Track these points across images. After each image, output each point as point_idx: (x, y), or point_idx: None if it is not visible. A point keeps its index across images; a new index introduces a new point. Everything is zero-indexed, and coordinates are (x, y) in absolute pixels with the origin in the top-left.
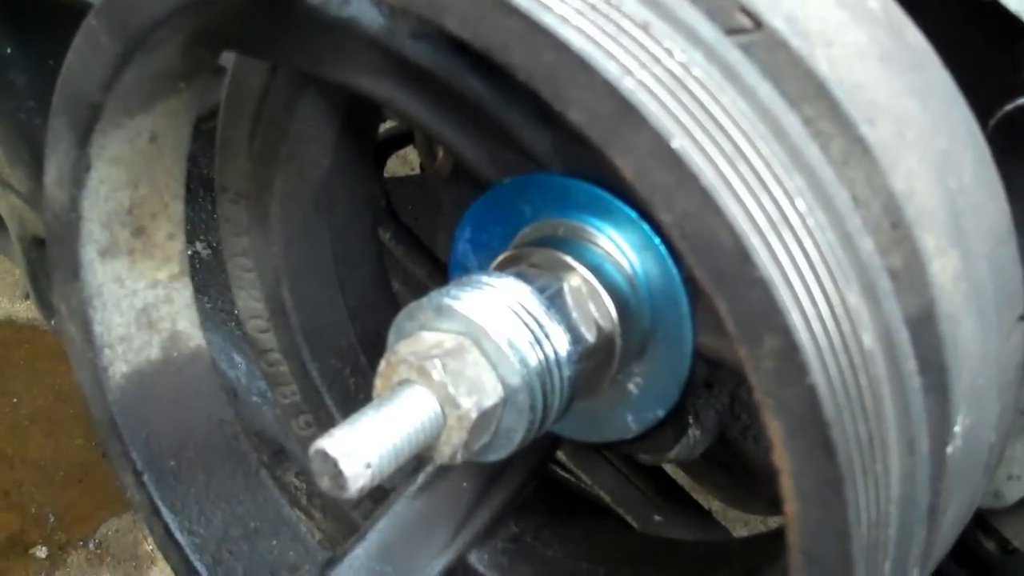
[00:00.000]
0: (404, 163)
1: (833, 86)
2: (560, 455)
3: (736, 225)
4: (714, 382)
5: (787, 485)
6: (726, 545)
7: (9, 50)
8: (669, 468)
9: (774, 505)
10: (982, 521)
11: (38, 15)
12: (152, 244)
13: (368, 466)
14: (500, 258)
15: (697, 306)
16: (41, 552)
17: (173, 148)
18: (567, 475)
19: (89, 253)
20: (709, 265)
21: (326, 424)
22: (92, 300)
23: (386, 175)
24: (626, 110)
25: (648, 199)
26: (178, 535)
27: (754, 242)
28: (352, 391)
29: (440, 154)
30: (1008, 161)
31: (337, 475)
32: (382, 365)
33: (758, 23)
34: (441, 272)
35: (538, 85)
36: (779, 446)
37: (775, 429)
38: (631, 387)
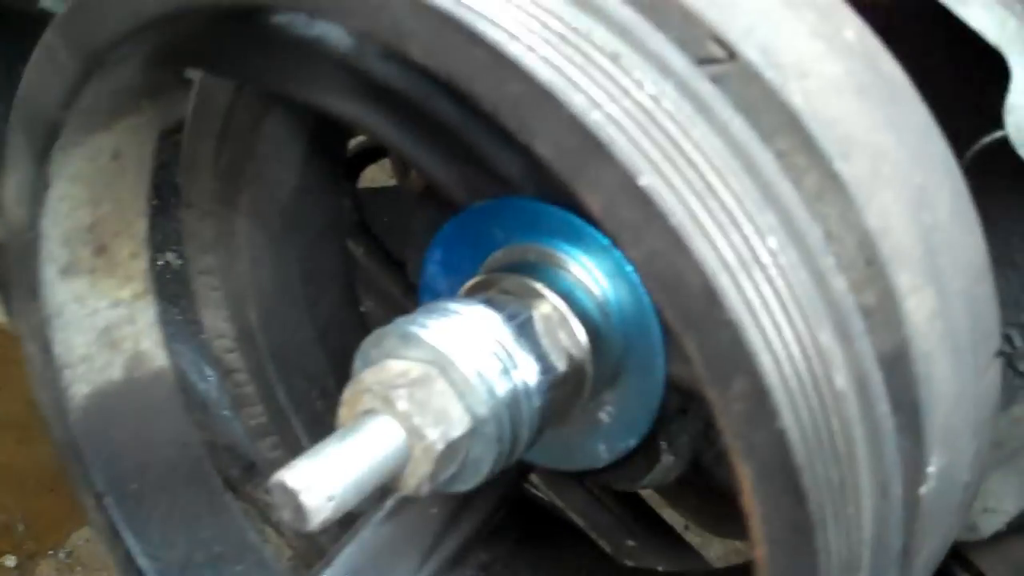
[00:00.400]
0: (383, 170)
1: (807, 119)
2: (533, 477)
3: (705, 265)
4: (688, 408)
5: (756, 529)
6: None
7: None
8: (643, 492)
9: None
10: (957, 554)
11: (7, 22)
12: (114, 263)
13: (330, 499)
14: (470, 283)
15: (669, 335)
16: (10, 561)
17: (136, 165)
18: (538, 495)
19: (49, 272)
20: (677, 305)
21: (293, 446)
22: (52, 320)
23: (363, 185)
24: (593, 145)
25: (615, 236)
26: (140, 560)
27: (723, 282)
28: (320, 413)
29: (413, 173)
30: (985, 195)
31: (298, 508)
32: (346, 393)
33: (731, 54)
34: (415, 289)
35: (504, 117)
36: (748, 490)
37: (744, 473)
38: (603, 416)
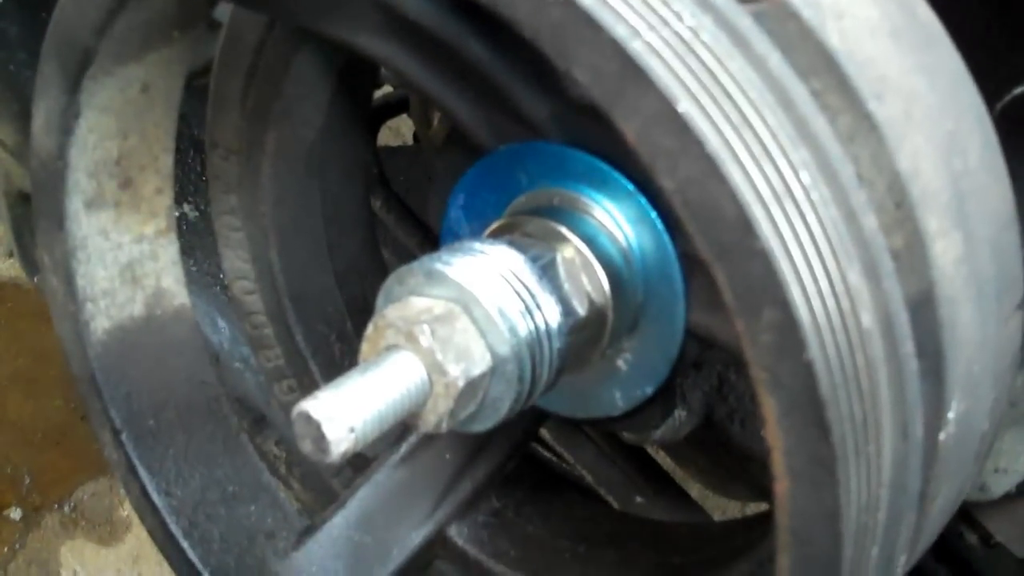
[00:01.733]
0: (396, 135)
1: (843, 60)
2: (543, 433)
3: (739, 194)
4: (703, 362)
5: (778, 463)
6: (709, 527)
7: (1, 0)
8: (651, 450)
9: (756, 491)
10: (966, 514)
11: None
12: (139, 197)
13: (351, 431)
14: (493, 226)
15: (691, 283)
16: (15, 514)
17: (164, 100)
18: (550, 455)
19: (75, 203)
20: (710, 234)
21: (309, 389)
22: (76, 252)
23: (378, 145)
24: (632, 71)
25: (650, 164)
26: (155, 496)
27: (757, 213)
28: (337, 357)
29: (435, 121)
30: (1013, 146)
31: (320, 439)
32: (369, 329)
33: None
34: (432, 243)
35: (543, 42)
36: (772, 423)
37: (769, 405)
38: (620, 363)
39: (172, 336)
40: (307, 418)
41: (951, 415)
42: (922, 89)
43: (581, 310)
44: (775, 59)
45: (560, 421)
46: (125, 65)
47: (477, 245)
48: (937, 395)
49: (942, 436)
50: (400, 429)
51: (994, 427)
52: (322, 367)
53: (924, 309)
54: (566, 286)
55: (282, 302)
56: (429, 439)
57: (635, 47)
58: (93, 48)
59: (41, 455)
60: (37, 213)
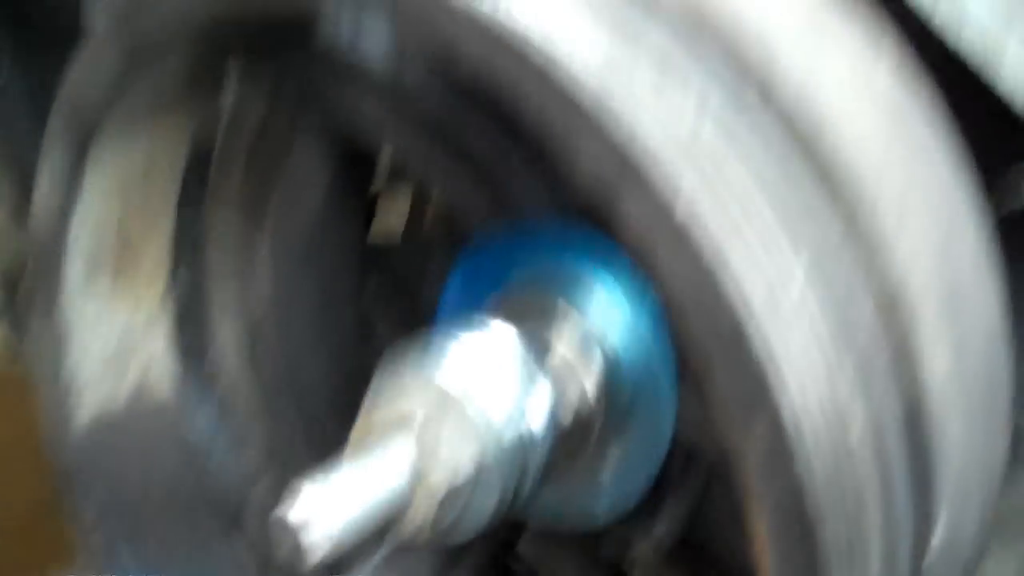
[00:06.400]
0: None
1: (837, 169)
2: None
3: (734, 305)
4: (688, 476)
5: None
6: None
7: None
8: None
9: None
10: None
11: (39, 33)
12: (135, 282)
13: (329, 538)
14: (488, 308)
15: (681, 395)
16: None
17: (167, 174)
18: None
19: (70, 284)
20: (702, 345)
21: (289, 487)
22: (66, 338)
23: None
24: (632, 172)
25: (646, 268)
26: None
27: (751, 325)
28: (320, 447)
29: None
30: (1012, 258)
31: (296, 547)
32: (353, 433)
33: (767, 99)
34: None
35: (544, 134)
36: (761, 539)
37: (757, 520)
38: (604, 474)
39: (154, 431)
40: (283, 525)
41: (936, 542)
42: (916, 198)
43: (568, 418)
44: (772, 168)
45: (538, 535)
46: (129, 139)
47: (466, 347)
48: (924, 518)
49: (926, 563)
50: (378, 535)
51: (977, 553)
52: (308, 456)
53: (914, 424)
54: (554, 393)
55: (270, 390)
56: (406, 547)
57: (635, 147)
58: (99, 120)
59: (9, 543)
60: (30, 299)
